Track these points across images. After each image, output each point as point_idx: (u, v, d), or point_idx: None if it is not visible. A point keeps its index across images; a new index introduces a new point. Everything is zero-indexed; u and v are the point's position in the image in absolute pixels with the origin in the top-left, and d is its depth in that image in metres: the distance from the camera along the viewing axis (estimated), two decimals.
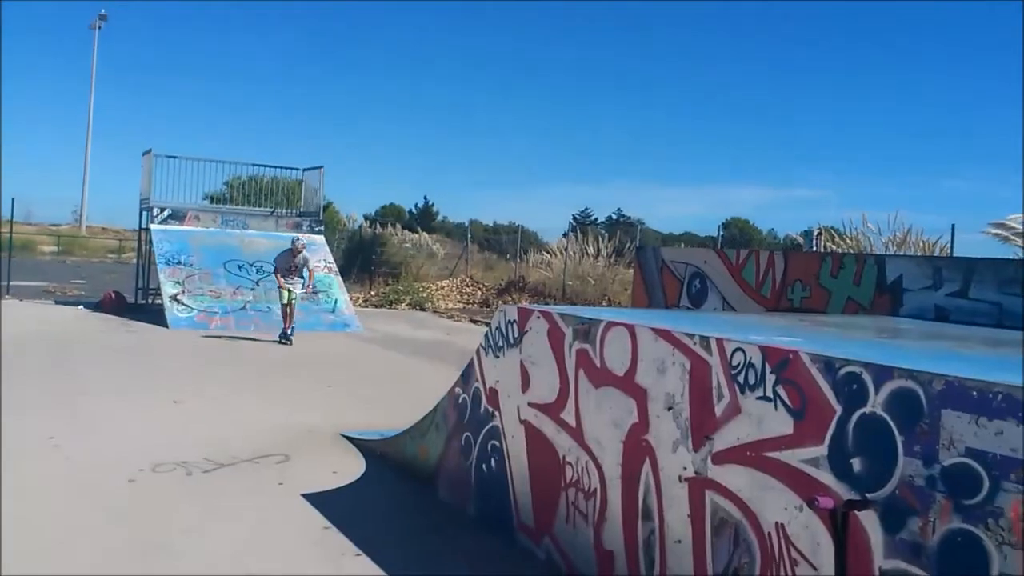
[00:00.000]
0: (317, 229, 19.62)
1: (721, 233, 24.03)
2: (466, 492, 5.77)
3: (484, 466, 5.57)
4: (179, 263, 17.40)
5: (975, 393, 2.90)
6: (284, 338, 14.34)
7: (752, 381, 3.70)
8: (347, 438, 7.61)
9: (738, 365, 3.78)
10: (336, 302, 17.65)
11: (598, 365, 4.60)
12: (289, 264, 14.32)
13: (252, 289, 17.26)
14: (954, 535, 2.90)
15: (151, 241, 18.31)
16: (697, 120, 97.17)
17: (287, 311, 14.45)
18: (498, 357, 5.50)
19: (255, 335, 15.10)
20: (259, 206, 21.17)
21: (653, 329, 4.30)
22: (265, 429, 7.83)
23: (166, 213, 18.47)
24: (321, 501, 5.90)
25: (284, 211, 21.01)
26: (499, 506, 5.37)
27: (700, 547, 3.87)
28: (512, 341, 5.36)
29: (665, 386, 4.15)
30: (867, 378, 3.24)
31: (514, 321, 5.36)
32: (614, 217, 51.78)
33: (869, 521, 3.15)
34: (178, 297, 16.64)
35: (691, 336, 4.06)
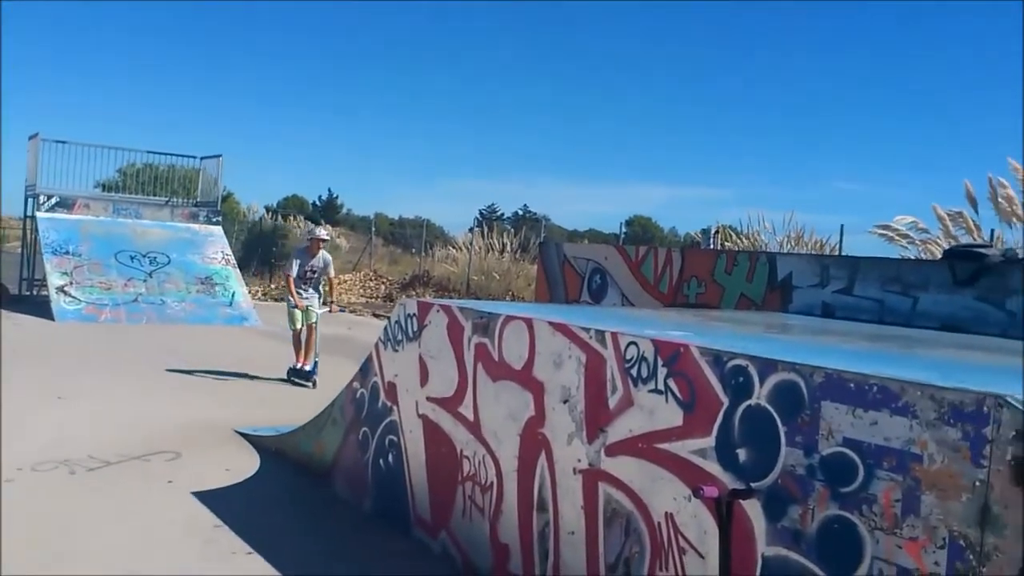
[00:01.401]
0: (214, 220, 19.08)
1: (624, 230, 24.44)
2: (363, 488, 5.70)
3: (381, 461, 5.52)
4: (67, 253, 16.67)
5: (852, 385, 3.02)
6: (299, 377, 10.19)
7: (645, 374, 3.77)
8: (242, 435, 7.43)
9: (632, 359, 3.85)
10: (233, 295, 17.21)
11: (496, 359, 4.61)
12: (305, 268, 10.36)
13: (144, 281, 16.67)
14: (831, 521, 3.01)
15: (37, 230, 17.50)
16: (604, 119, 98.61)
17: (301, 339, 10.37)
18: (397, 351, 5.46)
19: (148, 327, 14.59)
20: (154, 195, 20.47)
21: (551, 323, 4.33)
22: (155, 426, 7.57)
23: (53, 201, 17.67)
24: (212, 499, 5.74)
25: (180, 201, 20.36)
26: (396, 501, 5.33)
27: (593, 538, 3.93)
28: (411, 335, 5.33)
29: (561, 379, 4.19)
30: (753, 371, 3.34)
31: (414, 315, 5.33)
32: (520, 213, 52.10)
33: (753, 509, 3.25)
34: (65, 288, 15.93)
35: (587, 330, 4.11)
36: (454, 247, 26.88)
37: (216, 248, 17.85)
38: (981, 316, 5.89)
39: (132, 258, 17.05)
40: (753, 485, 3.26)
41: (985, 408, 2.66)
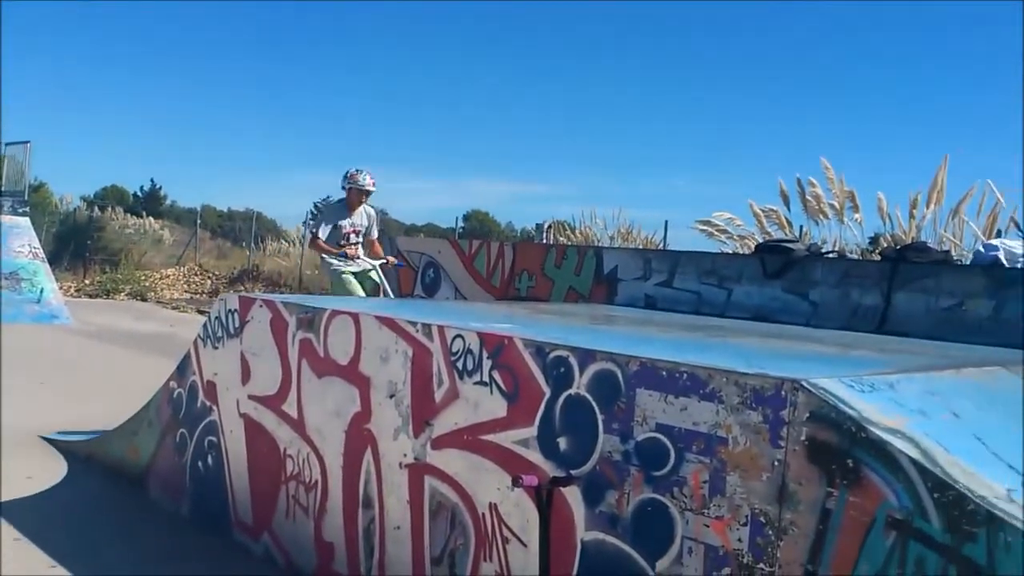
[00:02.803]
0: (21, 211, 17.65)
1: (462, 225, 24.56)
2: (180, 492, 5.44)
3: (200, 463, 5.28)
4: None
5: (664, 373, 3.14)
6: None
7: (470, 367, 3.78)
8: (48, 440, 6.91)
9: (458, 351, 3.85)
10: (42, 291, 16.00)
11: (322, 355, 4.50)
12: (344, 229, 7.89)
13: None
14: (645, 504, 3.13)
15: None
16: (445, 113, 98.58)
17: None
18: (217, 348, 5.23)
19: None
20: None
21: (377, 317, 4.27)
22: None
23: None
24: (12, 511, 5.31)
25: None
26: (215, 504, 5.12)
27: (418, 532, 3.91)
28: (232, 331, 5.12)
29: (388, 374, 4.14)
30: (573, 361, 3.42)
31: (235, 310, 5.12)
32: None
33: (573, 496, 3.33)
34: None
35: (414, 324, 4.08)
36: (287, 240, 26.16)
37: (23, 241, 16.52)
38: (788, 306, 6.27)
39: None
40: (573, 472, 3.34)
41: (783, 392, 2.83)
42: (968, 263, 6.93)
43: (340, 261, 7.78)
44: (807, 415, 2.77)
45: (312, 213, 30.67)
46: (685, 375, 3.09)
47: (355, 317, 4.35)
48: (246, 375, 4.97)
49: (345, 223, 7.83)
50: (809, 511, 2.74)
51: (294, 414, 4.62)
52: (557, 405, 3.43)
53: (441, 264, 8.65)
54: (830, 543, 2.69)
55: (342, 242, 7.78)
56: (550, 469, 3.40)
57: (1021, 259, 5.95)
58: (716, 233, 15.04)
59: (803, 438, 2.78)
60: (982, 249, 6.19)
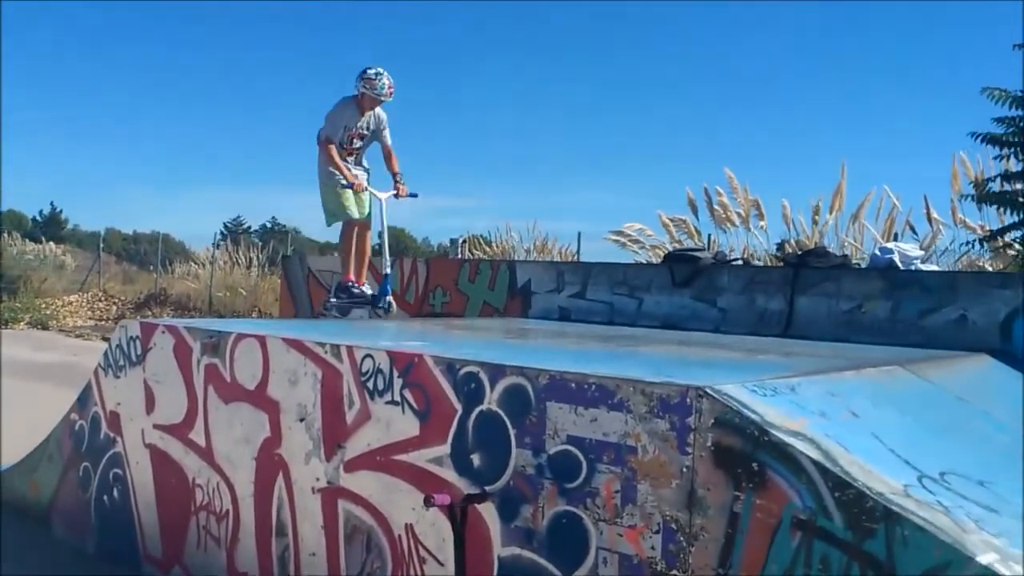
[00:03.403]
0: None
1: (378, 242, 24.30)
2: (86, 527, 5.22)
3: (105, 497, 5.08)
4: None
5: (573, 385, 3.17)
6: (359, 302, 6.99)
7: (381, 386, 3.75)
8: None
9: (368, 371, 3.80)
10: None
11: (228, 380, 4.39)
12: (348, 130, 6.69)
13: None
14: (560, 517, 3.14)
15: None
16: None
17: (355, 243, 6.91)
18: (119, 377, 5.05)
19: None
20: None
21: (284, 340, 4.19)
22: None
23: None
24: None
25: None
26: (123, 539, 4.93)
27: (334, 557, 3.84)
28: (135, 359, 4.95)
29: (297, 397, 4.07)
30: (484, 377, 3.41)
31: (136, 337, 4.96)
32: (269, 225, 50.32)
33: (488, 512, 3.32)
34: None
35: (322, 345, 4.02)
36: (196, 262, 25.49)
37: None
38: (697, 314, 6.40)
39: None
40: (487, 488, 3.33)
41: (688, 399, 2.89)
42: (865, 266, 7.18)
43: (343, 173, 6.55)
44: (712, 421, 2.83)
45: (222, 234, 29.99)
46: (594, 386, 3.12)
47: (262, 340, 4.26)
48: (150, 404, 4.82)
49: (351, 125, 6.64)
50: (718, 515, 2.79)
51: (202, 442, 4.49)
52: (469, 421, 3.42)
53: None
54: (739, 546, 2.74)
55: (344, 144, 6.65)
56: (464, 486, 3.38)
57: (915, 261, 6.21)
58: (628, 243, 15.29)
59: (709, 444, 2.83)
60: (878, 252, 6.43)
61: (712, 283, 6.39)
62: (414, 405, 3.60)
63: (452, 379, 3.50)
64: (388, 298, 6.64)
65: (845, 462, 2.69)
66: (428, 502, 3.20)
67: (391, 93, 6.60)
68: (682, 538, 2.85)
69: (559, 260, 15.31)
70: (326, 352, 3.98)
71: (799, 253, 6.58)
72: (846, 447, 2.79)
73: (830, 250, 7.56)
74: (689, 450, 2.87)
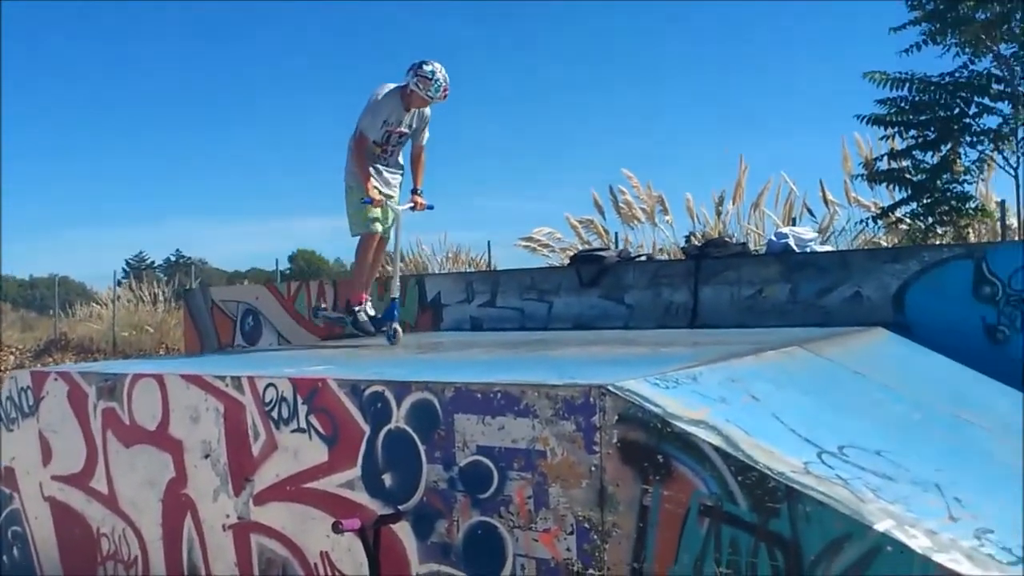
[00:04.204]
0: None
1: (289, 266, 23.94)
2: None
3: (5, 557, 4.83)
4: None
5: (479, 395, 3.15)
6: (362, 328, 6.01)
7: (286, 415, 3.66)
8: None
9: (271, 401, 3.72)
10: None
11: (128, 423, 4.24)
12: (388, 128, 5.69)
13: None
14: (475, 528, 3.12)
15: None
16: (256, 152, 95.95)
17: (372, 256, 5.98)
18: (12, 431, 4.82)
19: None
20: None
21: (183, 376, 4.07)
22: None
23: None
24: None
25: None
26: None
27: None
28: (27, 410, 4.73)
29: (201, 434, 3.94)
30: (390, 395, 3.37)
31: (28, 387, 4.74)
32: (173, 259, 48.98)
33: (403, 532, 3.27)
34: None
35: (222, 378, 3.91)
36: (98, 303, 24.60)
37: None
38: (606, 312, 6.47)
39: None
40: (401, 508, 3.28)
41: (592, 399, 2.90)
42: (763, 252, 7.36)
43: (367, 187, 5.56)
44: (616, 418, 2.85)
45: (124, 271, 29.03)
46: (499, 394, 3.10)
47: (159, 379, 4.12)
48: (47, 455, 4.60)
49: (393, 120, 5.63)
50: (629, 511, 2.81)
51: (104, 490, 4.31)
52: (378, 442, 3.37)
53: (260, 310, 8.38)
54: (651, 539, 2.77)
55: (380, 142, 5.68)
56: (378, 508, 3.33)
57: (810, 243, 6.40)
58: (539, 248, 15.37)
59: (615, 441, 2.85)
60: (774, 238, 6.60)
61: (618, 281, 6.47)
62: (321, 431, 3.53)
63: (358, 401, 3.44)
64: (395, 325, 5.70)
65: (747, 446, 2.74)
66: (337, 528, 3.13)
67: (445, 96, 5.59)
68: (596, 536, 2.86)
69: (468, 271, 15.28)
70: (227, 385, 3.87)
71: (698, 245, 6.70)
72: (747, 431, 2.84)
73: (728, 239, 7.74)
74: (596, 449, 2.88)
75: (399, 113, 5.63)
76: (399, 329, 5.71)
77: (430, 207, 5.93)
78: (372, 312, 6.01)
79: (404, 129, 5.72)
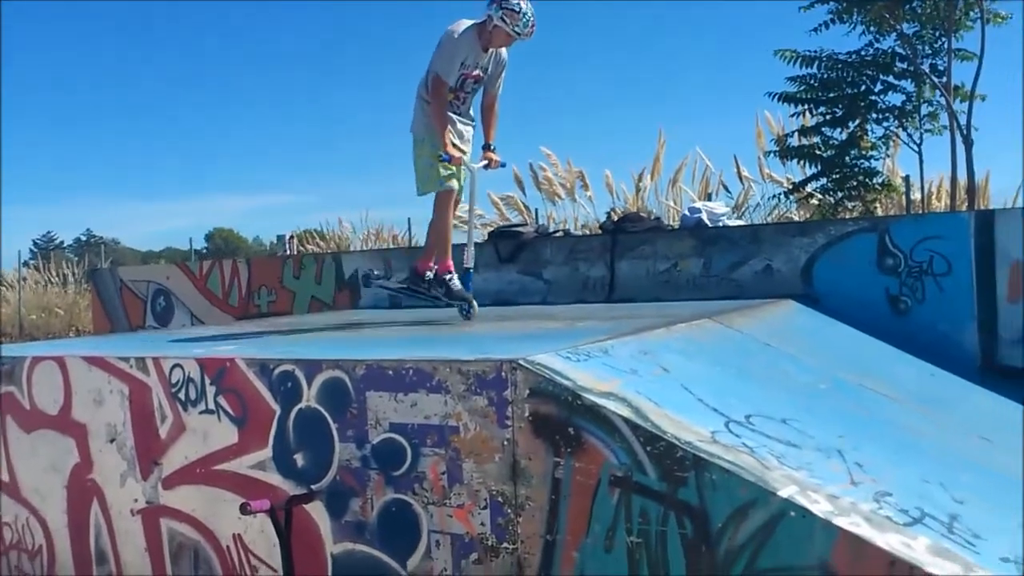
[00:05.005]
0: None
1: (204, 245, 23.37)
2: None
3: None
4: None
5: (391, 372, 3.12)
6: (445, 294, 5.22)
7: (194, 396, 3.58)
8: None
9: (178, 382, 3.62)
10: None
11: (28, 407, 4.08)
12: (466, 70, 4.92)
13: None
14: (389, 506, 3.10)
15: None
16: (172, 128, 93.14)
17: (451, 216, 5.27)
18: None
19: None
20: None
21: (85, 358, 3.93)
22: None
23: None
24: None
25: None
26: None
27: None
28: None
29: (105, 417, 3.82)
30: (300, 374, 3.31)
31: None
32: (84, 239, 47.30)
33: (317, 511, 3.23)
34: None
35: (127, 360, 3.79)
36: (4, 285, 23.64)
37: None
38: (525, 288, 6.49)
39: None
40: (314, 487, 3.24)
41: (503, 373, 2.90)
42: (678, 227, 7.47)
43: (443, 140, 4.85)
44: (527, 392, 2.85)
45: (32, 252, 27.88)
46: (411, 371, 3.08)
47: (60, 361, 3.98)
48: None
49: (470, 63, 4.91)
50: (541, 484, 2.83)
51: (4, 477, 4.15)
52: (289, 421, 3.32)
53: (172, 291, 8.15)
54: (563, 511, 2.79)
55: (456, 87, 4.96)
56: (290, 488, 3.28)
57: (722, 218, 6.51)
58: (460, 224, 15.29)
59: (527, 415, 2.86)
60: (688, 213, 6.70)
61: (536, 256, 6.49)
62: (230, 411, 3.46)
63: (267, 380, 3.37)
64: (469, 296, 5.12)
65: (655, 416, 2.78)
66: (245, 509, 3.08)
67: (532, 32, 4.89)
68: (509, 510, 2.87)
69: (386, 247, 15.15)
70: (131, 367, 3.75)
71: (615, 220, 6.76)
72: (657, 402, 2.88)
73: (644, 215, 7.83)
74: (508, 423, 2.88)
75: (477, 54, 4.90)
76: (475, 303, 5.10)
77: (502, 165, 5.31)
78: (449, 278, 5.21)
79: (480, 73, 4.98)
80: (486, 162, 5.10)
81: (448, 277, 5.19)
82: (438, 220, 5.14)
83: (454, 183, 4.96)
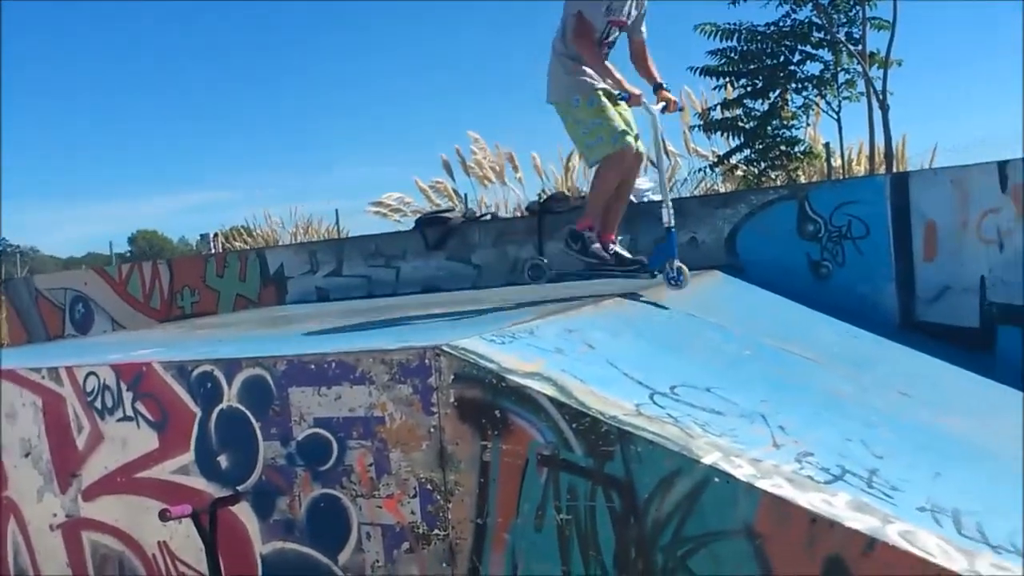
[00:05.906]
0: None
1: (130, 248, 22.76)
2: None
3: None
4: None
5: (313, 366, 3.06)
6: (619, 264, 4.46)
7: (111, 404, 3.47)
8: None
9: (93, 390, 3.50)
10: None
11: None
12: (613, 11, 4.22)
13: None
14: (317, 502, 3.05)
15: None
16: (91, 130, 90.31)
17: (619, 180, 4.38)
18: None
19: None
20: None
21: None
22: None
23: None
24: None
25: None
26: None
27: None
28: None
29: (19, 432, 3.69)
30: (219, 374, 3.23)
31: None
32: None
33: (244, 512, 3.16)
34: None
35: (38, 371, 3.65)
36: None
37: None
38: (454, 274, 6.44)
39: None
40: (240, 488, 3.17)
41: (427, 360, 2.86)
42: None
43: (615, 79, 4.16)
44: (452, 377, 2.82)
45: None
46: (334, 364, 3.02)
47: None
48: None
49: (616, 6, 4.25)
50: (470, 468, 2.80)
51: None
52: (211, 423, 3.23)
53: (90, 297, 7.91)
54: (493, 493, 2.77)
55: (603, 44, 4.31)
56: (215, 491, 3.20)
57: (647, 193, 6.55)
58: (390, 213, 15.20)
59: (452, 400, 2.82)
60: None
61: (465, 241, 6.45)
62: (149, 417, 3.36)
63: (186, 382, 3.28)
64: (676, 262, 4.23)
65: (580, 393, 2.77)
66: (165, 516, 2.98)
67: None
68: (439, 497, 2.84)
69: (310, 240, 14.95)
70: (43, 377, 3.62)
71: (540, 201, 6.75)
72: (582, 379, 2.88)
73: (570, 194, 7.84)
74: (434, 410, 2.85)
75: (615, 3, 4.24)
76: (684, 267, 4.23)
77: (680, 108, 4.66)
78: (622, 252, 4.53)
79: (625, 19, 4.32)
80: (664, 103, 4.31)
81: (588, 235, 4.49)
82: (601, 180, 4.38)
83: (630, 139, 4.17)
